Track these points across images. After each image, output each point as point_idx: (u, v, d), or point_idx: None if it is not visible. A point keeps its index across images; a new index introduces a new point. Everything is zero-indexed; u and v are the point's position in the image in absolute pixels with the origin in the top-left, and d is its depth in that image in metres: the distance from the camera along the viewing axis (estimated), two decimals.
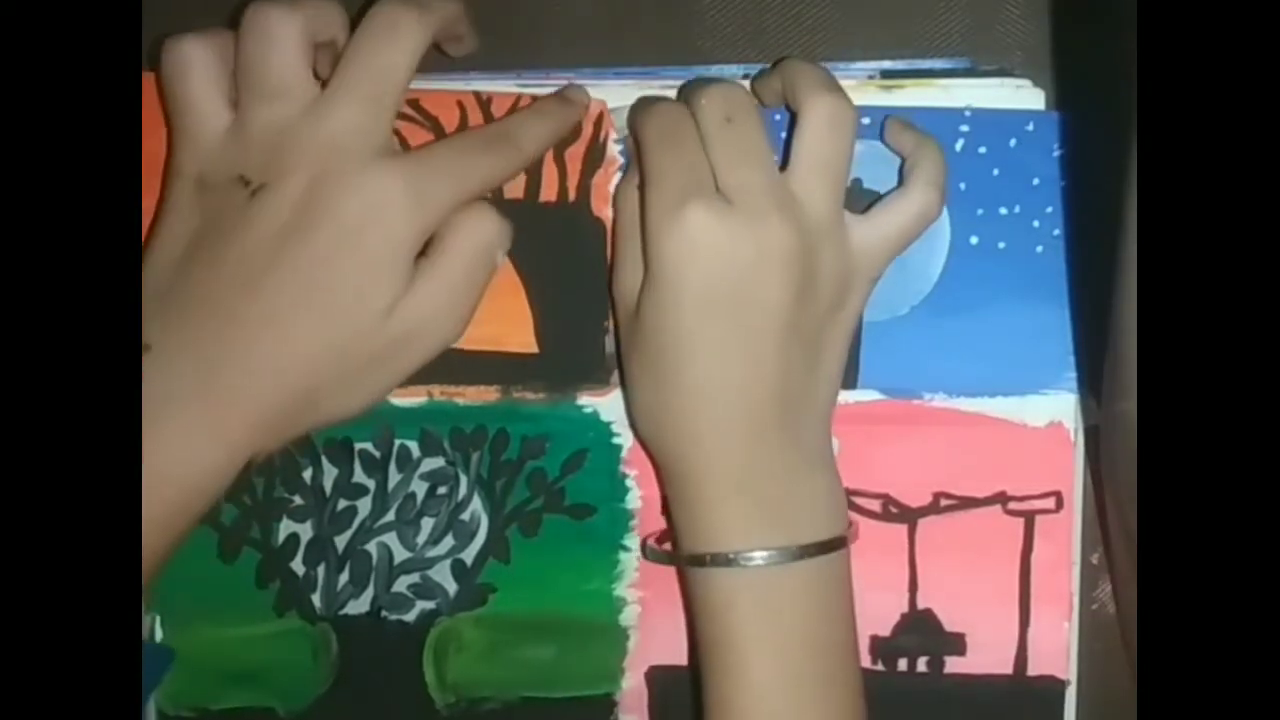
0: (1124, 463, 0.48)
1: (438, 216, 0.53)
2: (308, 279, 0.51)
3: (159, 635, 0.59)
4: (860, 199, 0.58)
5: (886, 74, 0.58)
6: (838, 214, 0.54)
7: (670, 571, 0.58)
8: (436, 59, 0.58)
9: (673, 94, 0.58)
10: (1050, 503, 0.58)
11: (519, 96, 0.58)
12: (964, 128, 0.57)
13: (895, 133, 0.57)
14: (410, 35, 0.53)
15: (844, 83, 0.57)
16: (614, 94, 0.59)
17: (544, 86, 0.58)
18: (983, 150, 0.57)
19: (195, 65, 0.53)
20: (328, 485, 0.59)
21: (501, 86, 0.59)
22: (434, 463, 0.59)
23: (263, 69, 0.52)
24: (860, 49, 0.59)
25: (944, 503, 0.59)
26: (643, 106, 0.56)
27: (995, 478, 0.59)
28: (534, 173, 0.58)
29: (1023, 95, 0.57)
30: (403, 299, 0.52)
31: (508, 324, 0.59)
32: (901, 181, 0.56)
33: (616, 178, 0.58)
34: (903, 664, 0.59)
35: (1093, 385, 0.57)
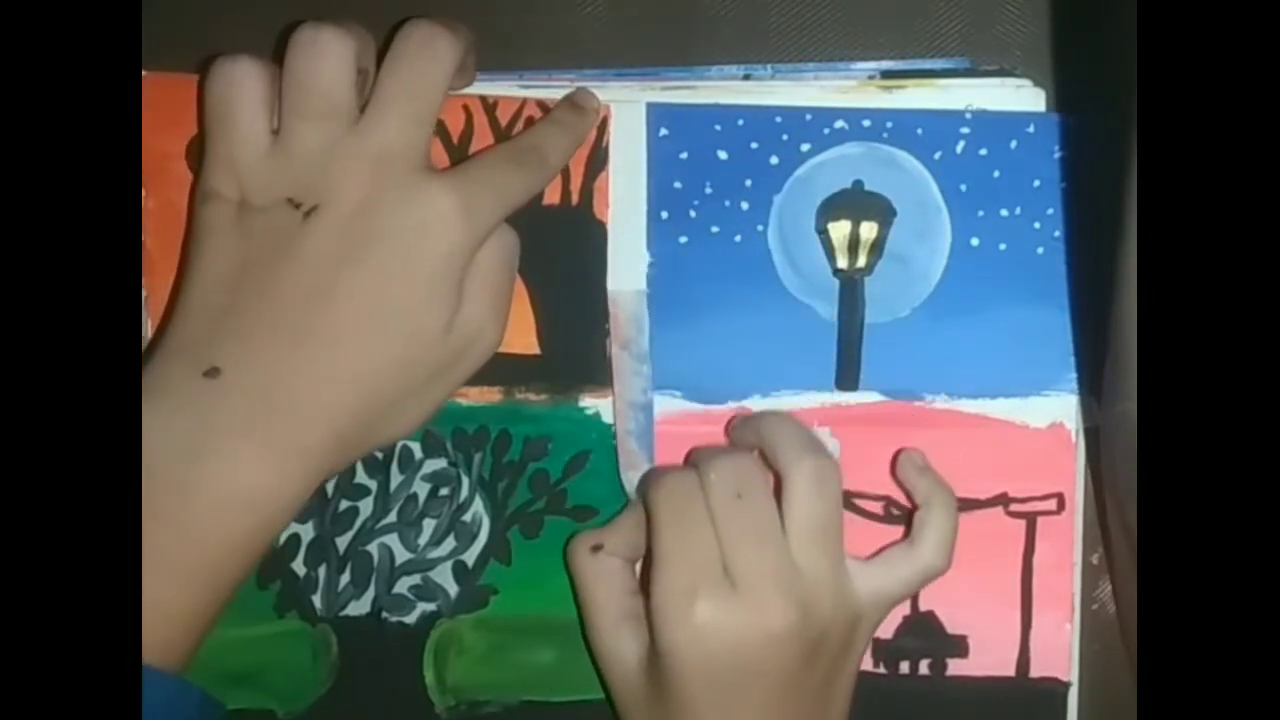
0: (1124, 463, 0.48)
1: (486, 231, 0.54)
2: (369, 299, 0.52)
3: None
4: (861, 201, 0.58)
5: (887, 74, 0.58)
6: (839, 569, 0.54)
7: None
8: None
9: (672, 95, 0.58)
10: (1052, 504, 0.58)
11: (524, 101, 0.58)
12: (965, 129, 0.57)
13: (909, 474, 0.58)
14: (446, 52, 0.53)
15: (844, 83, 0.58)
16: (617, 95, 0.59)
17: (546, 88, 0.58)
18: (983, 152, 0.58)
19: (248, 85, 0.53)
20: (329, 485, 0.59)
21: (504, 89, 0.59)
22: (436, 464, 0.59)
23: (313, 88, 0.52)
24: (860, 49, 0.59)
25: None
26: (655, 478, 0.56)
27: (997, 479, 0.59)
28: None
29: (1023, 95, 0.57)
30: (457, 312, 0.53)
31: (510, 326, 0.58)
32: (910, 532, 0.57)
33: (617, 181, 0.59)
34: (904, 666, 0.59)
35: (1093, 386, 0.57)
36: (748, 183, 0.58)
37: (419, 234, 0.52)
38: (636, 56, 0.59)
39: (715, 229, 0.58)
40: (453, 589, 0.60)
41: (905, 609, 0.59)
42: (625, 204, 0.59)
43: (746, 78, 0.59)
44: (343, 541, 0.59)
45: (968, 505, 0.58)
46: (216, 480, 0.49)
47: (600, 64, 0.59)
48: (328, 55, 0.52)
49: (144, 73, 0.56)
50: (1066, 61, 0.57)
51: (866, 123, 0.58)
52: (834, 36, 0.59)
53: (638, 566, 0.58)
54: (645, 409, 0.59)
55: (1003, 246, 0.58)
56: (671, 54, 0.59)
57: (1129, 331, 0.43)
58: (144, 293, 0.58)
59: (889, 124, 0.58)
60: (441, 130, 0.58)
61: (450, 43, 0.53)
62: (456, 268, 0.53)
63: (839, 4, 0.59)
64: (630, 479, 0.59)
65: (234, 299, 0.52)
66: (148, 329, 0.58)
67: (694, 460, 0.57)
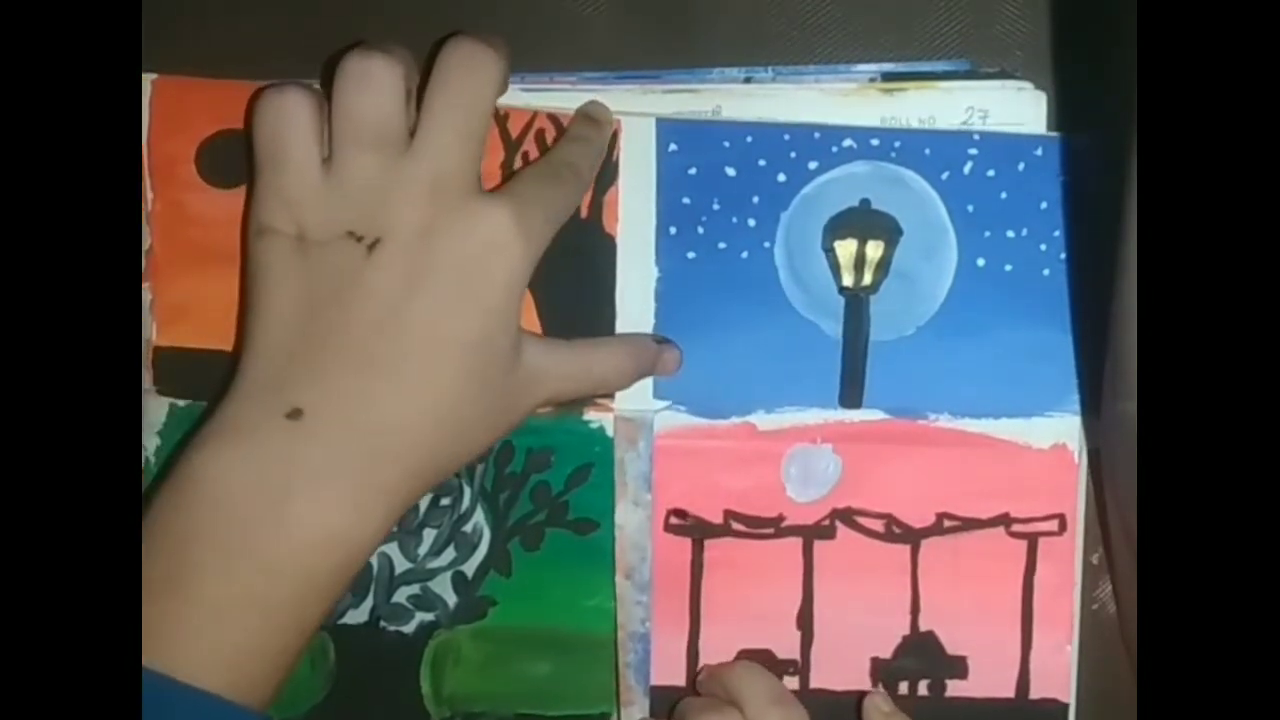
0: (1124, 462, 0.48)
1: (541, 250, 0.54)
2: (440, 327, 0.51)
3: None
4: (868, 220, 0.58)
5: (888, 76, 0.59)
6: None
7: (672, 591, 0.59)
8: None
9: (674, 98, 0.58)
10: (1053, 525, 0.58)
11: (535, 114, 0.58)
12: (973, 150, 0.58)
13: None
14: (490, 70, 0.54)
15: (845, 85, 0.58)
16: (620, 98, 0.59)
17: (547, 90, 0.59)
18: (991, 173, 0.58)
19: (298, 117, 0.52)
20: None
21: (508, 94, 0.58)
22: None
23: (367, 119, 0.52)
24: (860, 48, 0.59)
25: (947, 524, 0.59)
26: None
27: (999, 499, 0.58)
28: None
29: (1024, 98, 0.58)
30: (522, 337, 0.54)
31: None
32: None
33: (627, 195, 0.59)
34: (903, 687, 0.59)
35: (1096, 408, 0.57)
36: (755, 199, 0.58)
37: (482, 257, 0.52)
38: (637, 58, 0.59)
39: (722, 245, 0.59)
40: (451, 599, 0.59)
41: (905, 629, 0.59)
42: (634, 218, 0.59)
43: (748, 80, 0.59)
44: None
45: (969, 525, 0.58)
46: (303, 522, 0.50)
47: (601, 65, 0.59)
48: (380, 86, 0.52)
49: (153, 76, 0.57)
50: (1067, 63, 0.58)
51: (875, 141, 0.58)
52: (833, 36, 0.59)
53: None
54: (644, 639, 0.59)
55: (1008, 267, 0.58)
56: (672, 56, 0.59)
57: (1129, 330, 0.43)
58: (149, 295, 0.58)
59: (897, 143, 0.58)
60: None
61: (493, 59, 0.53)
62: (519, 287, 0.53)
63: (839, 4, 0.59)
64: (628, 716, 0.60)
65: (306, 337, 0.51)
66: (151, 331, 0.58)
67: (678, 713, 0.58)
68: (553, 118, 0.58)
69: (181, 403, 0.59)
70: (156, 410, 0.58)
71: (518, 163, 0.58)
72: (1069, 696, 0.58)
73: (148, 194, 0.58)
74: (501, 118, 0.58)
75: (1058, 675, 0.58)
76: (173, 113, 0.57)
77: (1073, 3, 0.58)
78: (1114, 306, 0.47)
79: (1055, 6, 0.58)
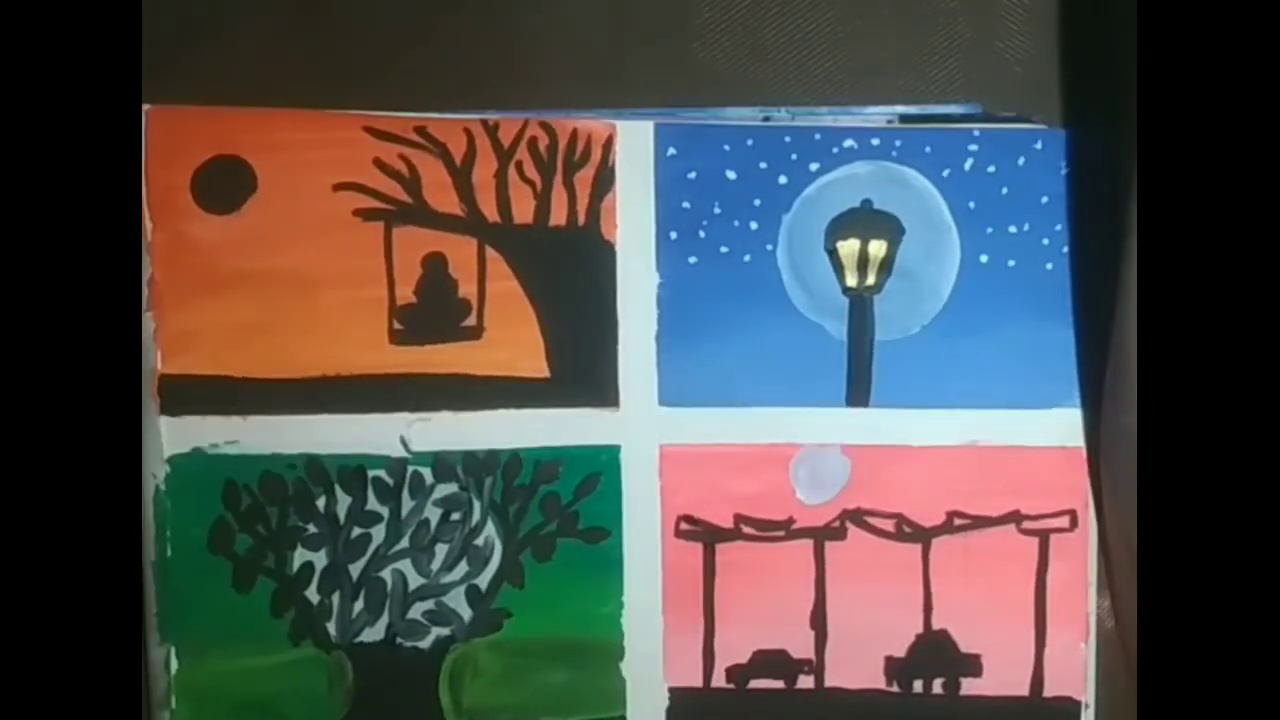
0: (1124, 475, 0.48)
1: None
2: None
3: (174, 666, 0.59)
4: (870, 220, 0.58)
5: (904, 119, 0.58)
6: None
7: (684, 595, 0.59)
8: (446, 90, 0.58)
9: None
10: (1065, 521, 0.58)
11: (526, 121, 0.58)
12: (973, 147, 0.57)
13: None
14: None
15: (859, 125, 0.58)
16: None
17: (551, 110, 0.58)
18: (992, 169, 0.57)
19: None
20: (341, 513, 0.59)
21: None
22: (447, 489, 0.59)
23: None
24: (870, 93, 0.59)
25: (958, 522, 0.59)
26: None
27: (1009, 497, 0.58)
28: (543, 197, 0.58)
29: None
30: None
31: (519, 350, 0.58)
32: None
33: (625, 201, 0.58)
34: (918, 685, 0.59)
35: (1095, 401, 0.57)
36: (757, 202, 0.58)
37: None
38: (638, 73, 0.59)
39: (724, 249, 0.58)
40: (466, 613, 0.60)
41: (919, 627, 0.59)
42: (633, 224, 0.58)
43: (766, 119, 0.58)
44: (356, 569, 0.59)
45: (980, 523, 0.58)
46: None
47: (601, 79, 0.59)
48: None
49: (148, 105, 0.56)
50: (1078, 103, 0.57)
51: (875, 141, 0.57)
52: (833, 48, 0.58)
53: None
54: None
55: (1011, 263, 0.58)
56: (672, 68, 0.59)
57: (1129, 343, 0.43)
58: (153, 325, 0.58)
59: (898, 142, 0.57)
60: (444, 153, 0.58)
61: None
62: None
63: (839, 13, 0.58)
64: None
65: None
66: (157, 360, 0.58)
67: None
68: (544, 125, 0.58)
69: None
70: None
71: (511, 172, 0.58)
72: (1084, 694, 0.58)
73: (147, 224, 0.57)
74: (491, 128, 0.58)
75: (1073, 672, 0.58)
76: (168, 141, 0.57)
77: (1076, 38, 0.58)
78: (1115, 320, 0.46)
79: (1062, 46, 0.58)
